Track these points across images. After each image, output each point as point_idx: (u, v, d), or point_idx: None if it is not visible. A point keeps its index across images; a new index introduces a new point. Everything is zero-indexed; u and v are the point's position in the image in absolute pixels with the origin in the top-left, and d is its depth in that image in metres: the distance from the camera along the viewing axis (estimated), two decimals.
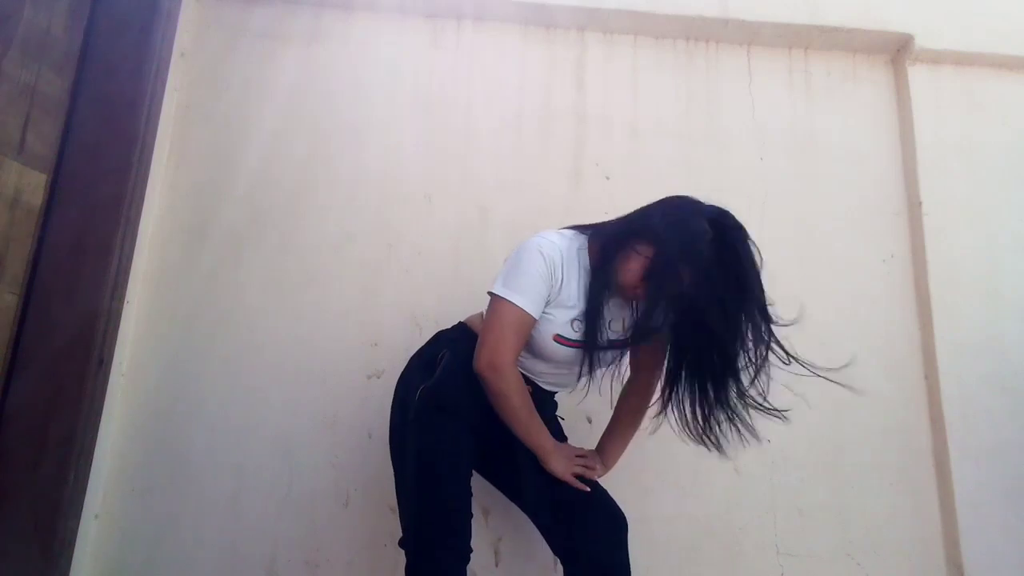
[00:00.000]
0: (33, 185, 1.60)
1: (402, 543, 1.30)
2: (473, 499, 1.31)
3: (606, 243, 1.32)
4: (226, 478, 1.72)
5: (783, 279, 1.93)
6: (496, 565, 1.69)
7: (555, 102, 2.02)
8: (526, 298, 1.27)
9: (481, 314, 1.41)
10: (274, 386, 1.78)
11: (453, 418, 1.32)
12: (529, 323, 1.29)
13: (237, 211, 1.89)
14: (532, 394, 1.36)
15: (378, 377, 1.80)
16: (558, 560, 1.68)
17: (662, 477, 1.77)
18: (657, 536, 1.71)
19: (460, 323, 1.48)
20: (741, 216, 2.09)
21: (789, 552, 1.75)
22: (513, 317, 1.27)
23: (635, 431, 1.52)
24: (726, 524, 1.76)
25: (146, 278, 1.82)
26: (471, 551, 1.28)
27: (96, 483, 1.65)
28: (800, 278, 1.94)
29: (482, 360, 1.28)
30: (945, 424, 1.82)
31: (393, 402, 1.43)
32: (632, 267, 1.25)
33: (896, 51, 2.12)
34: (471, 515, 1.30)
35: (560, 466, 1.34)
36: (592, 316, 1.29)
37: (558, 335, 1.31)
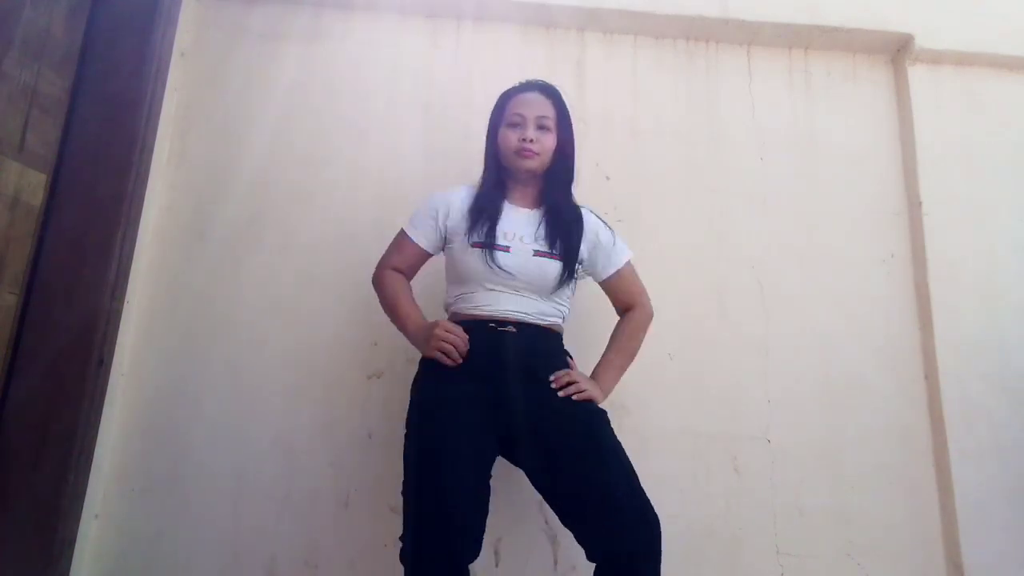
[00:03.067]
0: (33, 185, 1.60)
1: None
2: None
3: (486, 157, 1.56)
4: (226, 478, 1.72)
5: (783, 279, 1.95)
6: (496, 565, 1.69)
7: None
8: (410, 224, 1.52)
9: (445, 304, 1.53)
10: (274, 386, 1.78)
11: (433, 423, 1.31)
12: (410, 246, 1.50)
13: (237, 211, 1.89)
14: (516, 347, 1.37)
15: (378, 377, 1.80)
16: (558, 560, 1.69)
17: (662, 477, 1.76)
18: None
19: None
20: (741, 216, 2.09)
21: (789, 552, 1.75)
22: (396, 239, 1.54)
23: (624, 358, 1.53)
24: (726, 524, 1.76)
25: (146, 278, 1.82)
26: (455, 554, 1.22)
27: (96, 483, 1.65)
28: (800, 278, 1.94)
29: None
30: (945, 424, 1.82)
31: None
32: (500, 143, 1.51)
33: (896, 51, 2.12)
34: (458, 517, 1.23)
35: (424, 349, 1.40)
36: (480, 210, 1.46)
37: (475, 242, 1.42)
